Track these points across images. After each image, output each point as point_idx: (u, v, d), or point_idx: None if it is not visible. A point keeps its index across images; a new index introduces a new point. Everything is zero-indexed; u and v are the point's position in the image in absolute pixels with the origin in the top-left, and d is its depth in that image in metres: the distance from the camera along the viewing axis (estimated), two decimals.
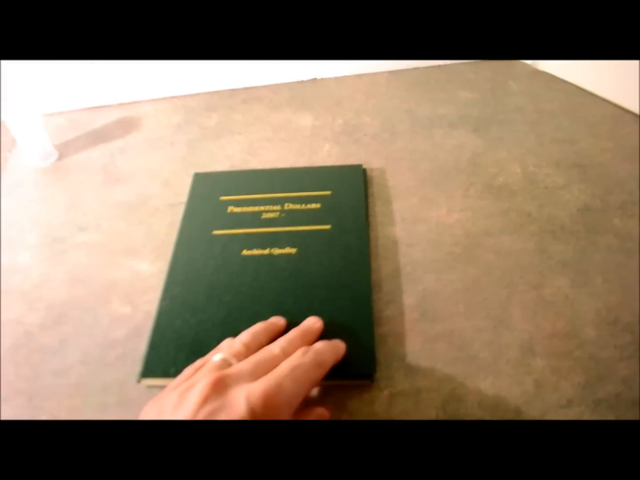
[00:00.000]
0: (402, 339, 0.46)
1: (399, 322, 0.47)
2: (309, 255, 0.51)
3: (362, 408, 0.42)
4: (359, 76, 0.76)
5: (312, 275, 0.50)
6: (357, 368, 0.43)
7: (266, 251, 0.52)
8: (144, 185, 0.64)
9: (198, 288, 0.50)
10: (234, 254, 0.52)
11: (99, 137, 0.73)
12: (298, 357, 0.39)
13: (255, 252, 0.52)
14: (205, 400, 0.34)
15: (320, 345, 0.41)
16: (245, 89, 0.77)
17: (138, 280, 0.54)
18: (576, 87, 0.70)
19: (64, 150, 0.72)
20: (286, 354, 0.39)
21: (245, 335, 0.42)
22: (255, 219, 0.55)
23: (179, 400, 0.35)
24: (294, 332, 0.42)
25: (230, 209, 0.57)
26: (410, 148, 0.63)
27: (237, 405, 0.34)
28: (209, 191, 0.59)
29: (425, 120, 0.67)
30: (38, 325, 0.52)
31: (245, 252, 0.52)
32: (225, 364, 0.39)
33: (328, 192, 0.57)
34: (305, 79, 0.77)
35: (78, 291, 0.54)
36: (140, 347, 0.47)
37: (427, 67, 0.76)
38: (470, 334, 0.46)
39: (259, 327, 0.43)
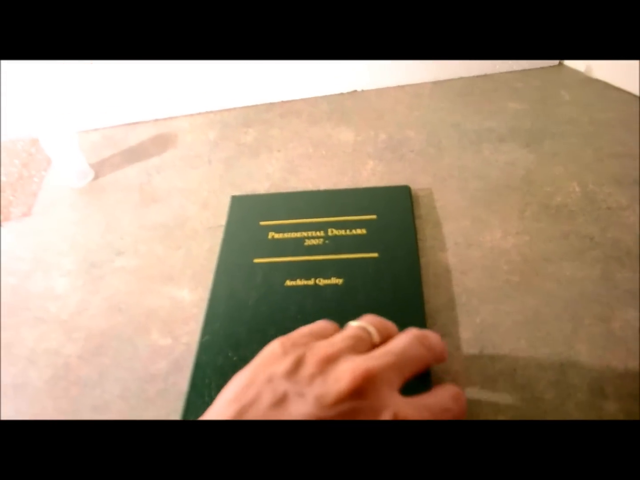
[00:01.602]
0: (460, 378, 0.43)
1: (456, 359, 0.44)
2: (356, 285, 0.49)
3: None
4: (401, 87, 0.73)
5: (361, 308, 0.46)
6: None
7: (310, 281, 0.49)
8: (181, 206, 0.62)
9: (240, 321, 0.48)
10: (277, 284, 0.50)
11: (134, 154, 0.71)
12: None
13: (299, 282, 0.50)
14: (350, 396, 0.30)
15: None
16: (282, 102, 0.74)
17: (177, 309, 0.52)
18: (633, 96, 0.66)
19: (100, 169, 0.70)
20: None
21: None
22: (297, 246, 0.53)
23: (309, 379, 0.31)
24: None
25: (271, 235, 0.54)
26: (458, 165, 0.60)
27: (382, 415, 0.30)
28: (248, 215, 0.57)
29: (473, 134, 0.64)
30: (77, 356, 0.50)
31: (288, 283, 0.50)
32: (366, 333, 0.36)
33: (373, 216, 0.54)
34: (344, 91, 0.74)
35: (116, 320, 0.52)
36: (181, 382, 0.45)
37: (472, 77, 0.73)
38: (534, 373, 0.43)
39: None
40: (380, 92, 0.73)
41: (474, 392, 0.42)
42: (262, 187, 0.62)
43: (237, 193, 0.61)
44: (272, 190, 0.61)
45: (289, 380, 0.31)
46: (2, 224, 0.66)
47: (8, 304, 0.56)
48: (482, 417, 0.41)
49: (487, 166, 0.59)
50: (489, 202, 0.56)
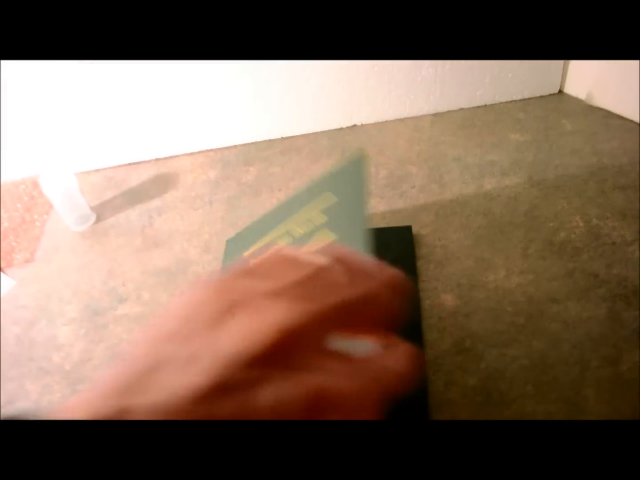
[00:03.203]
0: None
1: (462, 407, 0.44)
2: None
3: None
4: (401, 120, 0.73)
5: None
6: None
7: None
8: (183, 250, 0.62)
9: None
10: None
11: (135, 196, 0.71)
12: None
13: None
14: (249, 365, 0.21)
15: None
16: (282, 139, 0.74)
17: None
18: (635, 124, 0.65)
19: (101, 211, 0.70)
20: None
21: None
22: None
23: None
24: None
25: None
26: (461, 201, 0.60)
27: None
28: (239, 252, 0.57)
29: (474, 168, 0.63)
30: None
31: None
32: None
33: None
34: (344, 125, 0.74)
35: None
36: None
37: (472, 108, 0.72)
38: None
39: None
40: (380, 126, 0.73)
41: None
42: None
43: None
44: None
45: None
46: (5, 270, 0.66)
47: (12, 354, 0.56)
48: None
49: (490, 202, 0.59)
50: (492, 240, 0.55)
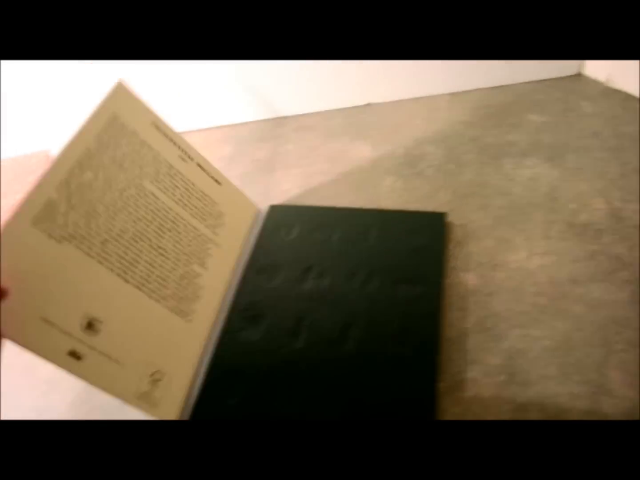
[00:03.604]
0: (489, 406, 0.42)
1: (484, 386, 0.43)
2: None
3: None
4: (417, 100, 0.72)
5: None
6: None
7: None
8: None
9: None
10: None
11: None
12: None
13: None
14: None
15: None
16: (296, 116, 0.73)
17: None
18: None
19: None
20: None
21: None
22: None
23: None
24: None
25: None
26: (479, 181, 0.59)
27: None
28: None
29: (493, 148, 0.62)
30: None
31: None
32: None
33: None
34: (359, 104, 0.73)
35: None
36: None
37: (489, 88, 0.71)
38: (565, 402, 0.41)
39: None
40: (396, 105, 0.72)
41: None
42: (282, 204, 0.61)
43: None
44: None
45: None
46: None
47: None
48: None
49: (510, 182, 0.58)
50: (513, 221, 0.54)
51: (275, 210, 0.59)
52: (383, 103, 0.73)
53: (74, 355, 0.38)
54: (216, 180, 0.55)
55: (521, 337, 0.45)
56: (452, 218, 0.55)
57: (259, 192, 0.63)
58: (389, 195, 0.59)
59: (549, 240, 0.52)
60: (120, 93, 0.48)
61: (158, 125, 0.50)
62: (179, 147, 0.52)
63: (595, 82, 0.70)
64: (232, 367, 0.46)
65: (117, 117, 0.47)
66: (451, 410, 0.42)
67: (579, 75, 0.71)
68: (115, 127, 0.46)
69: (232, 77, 0.70)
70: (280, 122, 0.73)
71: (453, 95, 0.71)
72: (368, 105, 0.73)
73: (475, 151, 0.63)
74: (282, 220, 0.58)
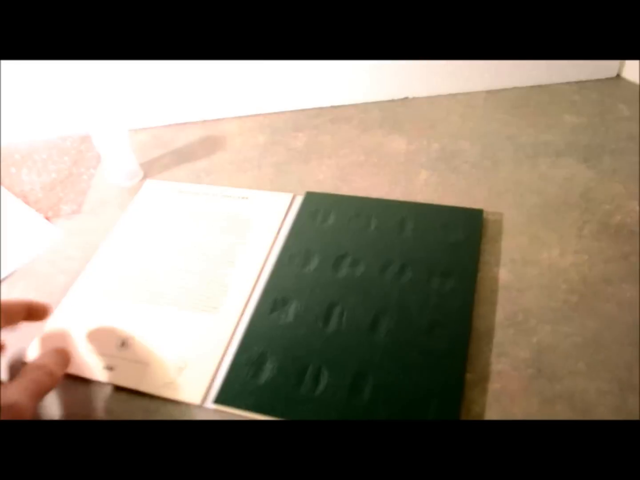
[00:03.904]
0: (517, 398, 0.42)
1: (513, 379, 0.44)
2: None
3: None
4: (454, 96, 0.72)
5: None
6: None
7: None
8: None
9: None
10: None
11: (183, 156, 0.71)
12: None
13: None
14: None
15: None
16: (333, 107, 0.74)
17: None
18: None
19: (148, 169, 0.70)
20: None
21: None
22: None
23: None
24: None
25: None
26: (514, 179, 0.59)
27: None
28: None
29: (529, 147, 0.63)
30: None
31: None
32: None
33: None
34: (395, 97, 0.73)
35: None
36: None
37: (526, 87, 0.71)
38: (593, 397, 0.42)
39: None
40: (432, 100, 0.72)
41: (531, 414, 0.41)
42: (319, 192, 0.62)
43: None
44: None
45: None
46: (52, 220, 0.66)
47: (59, 303, 0.56)
48: None
49: (544, 181, 0.58)
50: (547, 219, 0.54)
51: (311, 197, 0.60)
52: (420, 98, 0.73)
53: (109, 368, 0.48)
54: (243, 197, 0.63)
55: (551, 333, 0.46)
56: (486, 214, 0.56)
57: (293, 181, 0.64)
58: (424, 189, 0.60)
59: (582, 240, 0.52)
60: (149, 187, 0.67)
61: (182, 190, 0.66)
62: (204, 194, 0.64)
63: (634, 85, 0.70)
64: (262, 348, 0.47)
65: (146, 204, 0.65)
66: (479, 401, 0.43)
67: (617, 78, 0.71)
68: (145, 211, 0.64)
69: (268, 65, 0.71)
70: (316, 112, 0.74)
71: (490, 92, 0.72)
72: (405, 99, 0.73)
73: (510, 149, 0.63)
74: (317, 208, 0.59)
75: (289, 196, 0.62)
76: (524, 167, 0.60)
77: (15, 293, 0.58)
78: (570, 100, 0.69)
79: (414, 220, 0.55)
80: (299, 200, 0.61)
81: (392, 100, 0.73)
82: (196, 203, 0.63)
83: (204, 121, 0.76)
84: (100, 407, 0.46)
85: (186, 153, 0.72)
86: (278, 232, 0.58)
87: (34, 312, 0.48)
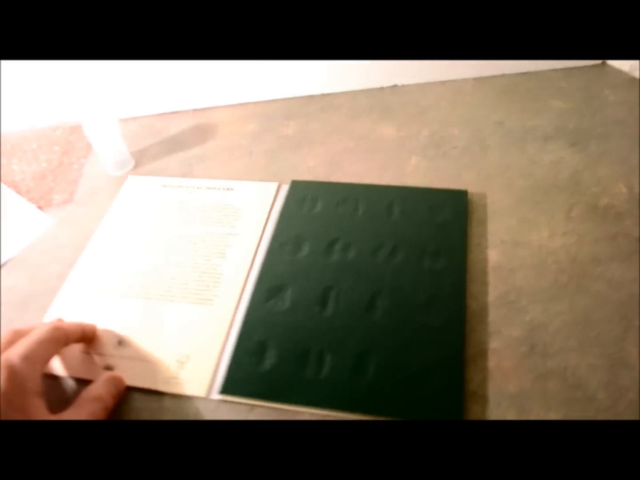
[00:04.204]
0: (511, 375, 0.43)
1: (506, 356, 0.45)
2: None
3: None
4: (443, 83, 0.73)
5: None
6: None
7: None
8: None
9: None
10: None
11: (174, 144, 0.72)
12: (35, 329, 0.44)
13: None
14: None
15: None
16: (322, 95, 0.74)
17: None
18: None
19: (140, 158, 0.71)
20: (21, 334, 0.44)
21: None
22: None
23: None
24: None
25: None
26: (503, 163, 0.60)
27: None
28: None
29: (517, 132, 0.64)
30: None
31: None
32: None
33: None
34: (385, 85, 0.74)
35: None
36: None
37: (515, 74, 0.72)
38: (585, 373, 0.43)
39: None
40: (421, 88, 0.73)
41: (525, 390, 0.42)
42: (305, 180, 0.62)
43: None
44: None
45: None
46: (44, 210, 0.66)
47: (54, 289, 0.56)
48: (533, 415, 0.41)
49: (533, 165, 0.59)
50: (536, 202, 0.55)
51: (296, 185, 0.61)
52: (409, 85, 0.74)
53: (108, 367, 0.48)
54: (228, 188, 0.63)
55: (542, 312, 0.47)
56: (476, 197, 0.57)
57: (285, 168, 0.64)
58: (414, 174, 0.61)
59: (571, 221, 0.53)
60: (132, 183, 0.66)
61: (166, 184, 0.65)
62: (187, 187, 0.64)
63: (619, 72, 0.71)
64: (262, 335, 0.47)
65: (130, 199, 0.64)
66: (474, 379, 0.43)
67: (603, 64, 0.72)
68: (130, 207, 0.63)
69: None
70: (306, 101, 0.74)
71: (478, 79, 0.72)
72: (394, 86, 0.74)
73: (499, 134, 0.64)
74: (304, 195, 0.59)
75: (274, 185, 0.62)
76: (513, 151, 0.61)
77: (10, 281, 0.58)
78: (558, 86, 0.69)
79: (401, 203, 0.56)
80: (284, 189, 0.61)
81: (382, 88, 0.74)
82: (181, 196, 0.63)
83: (195, 110, 0.77)
84: None
85: (177, 142, 0.72)
86: (266, 221, 0.58)
87: (86, 335, 0.49)
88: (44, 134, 0.78)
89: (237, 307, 0.51)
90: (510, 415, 0.41)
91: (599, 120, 0.64)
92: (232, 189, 0.63)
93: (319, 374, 0.44)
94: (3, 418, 0.35)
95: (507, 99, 0.69)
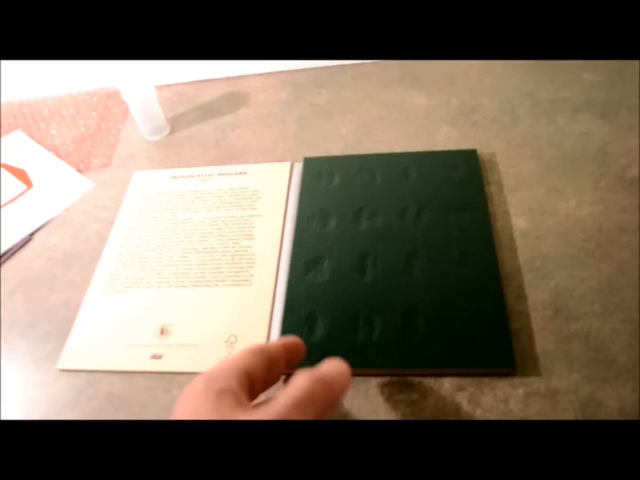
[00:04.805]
0: (535, 337, 0.45)
1: (532, 319, 0.46)
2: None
3: (497, 405, 0.42)
4: None
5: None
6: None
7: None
8: (257, 162, 0.64)
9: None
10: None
11: (208, 111, 0.73)
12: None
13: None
14: None
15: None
16: (354, 64, 0.75)
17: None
18: None
19: (175, 124, 0.73)
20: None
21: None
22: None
23: None
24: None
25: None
26: (533, 133, 0.61)
27: None
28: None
29: (547, 103, 0.64)
30: None
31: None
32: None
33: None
34: None
35: None
36: None
37: None
38: (608, 336, 0.45)
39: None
40: None
41: (549, 350, 0.44)
42: (336, 147, 0.64)
43: (311, 152, 0.63)
44: (347, 151, 0.63)
45: None
46: (83, 173, 0.69)
47: (94, 249, 0.59)
48: (556, 375, 0.43)
49: (562, 136, 0.60)
50: (564, 172, 0.57)
51: (310, 162, 0.62)
52: None
53: (156, 357, 0.49)
54: (241, 173, 0.64)
55: (568, 277, 0.48)
56: (505, 166, 0.58)
57: (317, 135, 0.66)
58: (444, 142, 0.62)
59: (598, 191, 0.54)
60: (139, 178, 0.66)
61: (174, 175, 0.65)
62: (198, 175, 0.65)
63: None
64: (308, 308, 0.49)
65: (142, 193, 0.64)
66: None
67: None
68: (143, 200, 0.63)
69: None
70: (338, 69, 0.75)
71: None
72: None
73: (529, 105, 0.65)
74: (320, 171, 0.61)
75: (287, 164, 0.63)
76: (542, 122, 0.62)
77: (53, 240, 0.61)
78: None
79: (416, 167, 0.58)
80: (297, 167, 0.63)
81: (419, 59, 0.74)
82: (194, 185, 0.64)
83: (227, 78, 0.78)
84: (160, 397, 0.47)
85: (211, 109, 0.74)
86: (287, 199, 0.60)
87: (292, 355, 0.40)
88: (81, 100, 0.80)
89: (275, 284, 0.52)
90: (534, 375, 0.43)
91: (629, 93, 0.64)
92: (245, 173, 0.64)
93: (371, 337, 0.46)
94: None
95: (538, 70, 0.69)
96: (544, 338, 0.45)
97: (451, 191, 0.55)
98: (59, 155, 0.71)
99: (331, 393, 0.33)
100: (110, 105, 0.78)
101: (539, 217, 0.53)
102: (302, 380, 0.33)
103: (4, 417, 0.47)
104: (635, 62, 0.68)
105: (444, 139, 0.62)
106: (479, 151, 0.59)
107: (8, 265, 0.59)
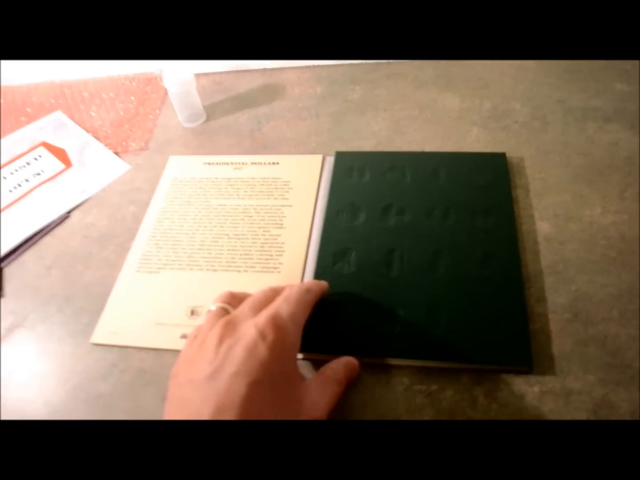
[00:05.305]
0: (553, 338, 0.47)
1: (551, 320, 0.48)
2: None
3: (513, 401, 0.43)
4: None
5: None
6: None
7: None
8: (291, 154, 0.66)
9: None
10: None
11: (244, 101, 0.75)
12: (287, 289, 0.45)
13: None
14: (221, 340, 0.39)
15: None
16: (388, 63, 0.77)
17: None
18: None
19: (211, 112, 0.75)
20: (277, 292, 0.45)
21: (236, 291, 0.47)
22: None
23: (198, 351, 0.40)
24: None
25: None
26: (562, 140, 0.62)
27: (248, 334, 0.39)
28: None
29: (578, 111, 0.65)
30: None
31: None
32: (223, 311, 0.44)
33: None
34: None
35: None
36: None
37: None
38: (624, 342, 0.46)
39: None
40: (485, 62, 0.74)
41: (566, 352, 0.46)
42: (368, 144, 0.66)
43: (344, 147, 0.65)
44: (378, 148, 0.65)
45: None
46: (121, 155, 0.71)
47: (130, 230, 0.61)
48: (571, 375, 0.44)
49: (591, 144, 0.61)
50: (591, 180, 0.58)
51: (341, 156, 0.64)
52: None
53: (185, 337, 0.51)
54: (274, 163, 0.66)
55: (588, 283, 0.50)
56: (532, 170, 0.59)
57: (349, 131, 0.68)
58: (474, 145, 0.63)
59: (623, 201, 0.55)
60: (174, 162, 0.69)
61: (209, 162, 0.67)
62: (231, 163, 0.67)
63: None
64: (334, 298, 0.50)
65: (176, 177, 0.66)
66: None
67: None
68: (177, 184, 0.65)
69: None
70: (372, 67, 0.77)
71: None
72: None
73: (560, 112, 0.66)
74: (351, 165, 0.62)
75: (319, 157, 0.65)
76: (572, 130, 0.63)
77: (89, 219, 0.63)
78: (622, 68, 0.70)
79: (445, 168, 0.60)
80: (329, 161, 0.64)
81: (447, 60, 0.76)
82: (227, 173, 0.66)
83: (264, 69, 0.80)
84: None
85: (247, 99, 0.76)
86: (317, 191, 0.61)
87: (324, 293, 0.49)
88: (120, 84, 0.83)
89: (303, 274, 0.54)
90: (549, 374, 0.44)
91: None
92: (277, 163, 0.66)
93: (394, 330, 0.48)
94: (267, 373, 0.37)
95: (570, 78, 0.70)
96: (561, 340, 0.46)
97: (479, 193, 0.57)
98: (97, 137, 0.74)
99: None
100: (149, 90, 0.80)
101: (563, 223, 0.54)
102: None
103: (40, 385, 0.50)
104: None
105: (474, 141, 0.64)
106: (507, 155, 0.60)
107: (45, 241, 0.62)
